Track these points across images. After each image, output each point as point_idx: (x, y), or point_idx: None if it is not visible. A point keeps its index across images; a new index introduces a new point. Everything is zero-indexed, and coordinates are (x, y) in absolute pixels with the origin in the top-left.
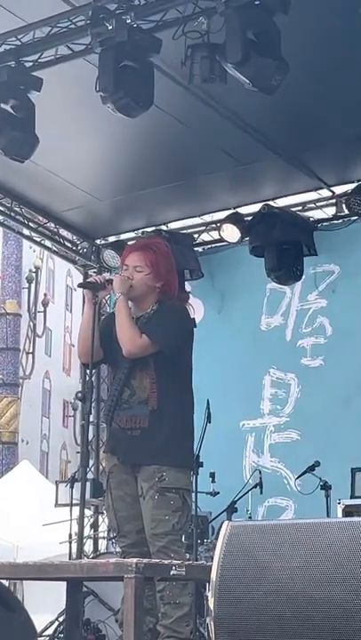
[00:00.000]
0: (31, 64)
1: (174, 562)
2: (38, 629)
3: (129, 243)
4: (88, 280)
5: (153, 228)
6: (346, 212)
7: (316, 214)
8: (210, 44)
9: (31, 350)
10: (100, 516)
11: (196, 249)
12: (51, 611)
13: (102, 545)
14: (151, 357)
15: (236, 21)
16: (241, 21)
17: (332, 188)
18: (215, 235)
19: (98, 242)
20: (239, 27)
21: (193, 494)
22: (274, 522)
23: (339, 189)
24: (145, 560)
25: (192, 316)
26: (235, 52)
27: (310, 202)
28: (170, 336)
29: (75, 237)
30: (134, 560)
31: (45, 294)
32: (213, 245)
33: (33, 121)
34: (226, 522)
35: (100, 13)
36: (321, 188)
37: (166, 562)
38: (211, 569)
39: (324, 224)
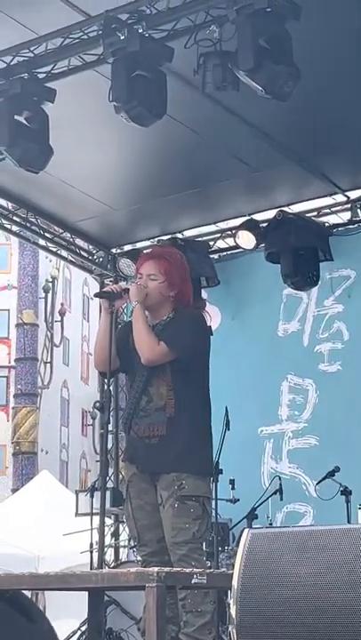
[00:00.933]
0: (44, 75)
1: (195, 570)
2: (61, 639)
3: (145, 251)
4: (104, 289)
5: (168, 237)
6: None
7: (332, 219)
8: (222, 51)
9: (49, 360)
10: (120, 525)
11: (211, 256)
12: (74, 616)
13: (123, 554)
14: (168, 365)
15: (248, 29)
16: (253, 29)
17: (346, 193)
18: (231, 242)
19: (114, 251)
20: (251, 34)
21: (213, 501)
22: (294, 528)
23: (353, 194)
24: (166, 569)
25: (208, 324)
26: (247, 60)
27: (325, 207)
28: (187, 344)
29: (90, 247)
30: (155, 569)
31: (62, 304)
32: (229, 252)
33: (47, 132)
34: (246, 529)
35: (112, 23)
36: (336, 194)
37: (187, 570)
38: (232, 577)
39: (340, 229)
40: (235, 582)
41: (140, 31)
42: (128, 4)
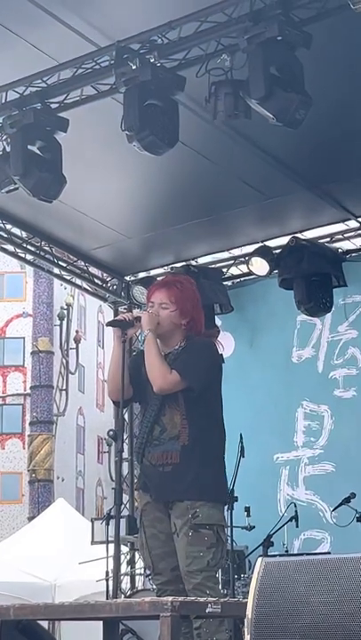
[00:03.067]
0: (57, 105)
1: (210, 599)
2: None
3: (158, 279)
4: (116, 318)
5: (182, 264)
6: None
7: (345, 245)
8: (233, 80)
9: (64, 387)
10: (136, 553)
11: (225, 283)
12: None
13: (140, 581)
14: (181, 394)
15: (259, 57)
16: (264, 57)
17: (359, 219)
18: (244, 268)
19: (127, 278)
20: (262, 63)
21: (228, 529)
22: (307, 557)
23: None
24: (180, 598)
25: (220, 352)
26: (258, 88)
27: (338, 233)
28: (199, 373)
29: (104, 275)
30: (170, 598)
31: (77, 331)
32: (242, 279)
33: (60, 161)
34: (260, 558)
35: (124, 53)
36: (348, 219)
37: (202, 600)
38: (246, 605)
39: (353, 255)
40: (249, 612)
41: (152, 61)
42: (140, 33)
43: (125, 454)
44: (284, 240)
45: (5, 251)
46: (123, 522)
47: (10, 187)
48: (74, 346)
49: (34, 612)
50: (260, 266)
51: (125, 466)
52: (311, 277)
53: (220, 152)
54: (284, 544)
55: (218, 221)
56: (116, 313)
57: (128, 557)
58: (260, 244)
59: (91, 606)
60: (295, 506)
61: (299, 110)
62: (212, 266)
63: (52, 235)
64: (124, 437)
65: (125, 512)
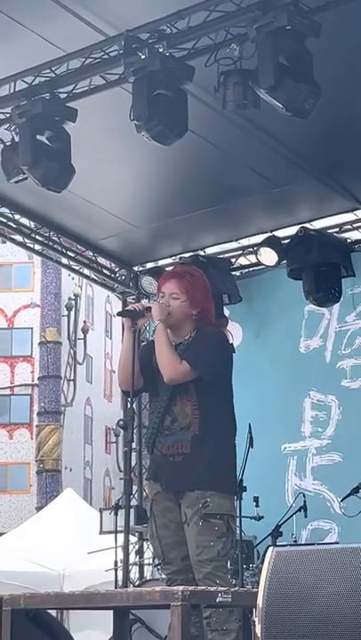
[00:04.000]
0: (65, 95)
1: (220, 589)
2: None
3: (166, 269)
4: (127, 308)
5: (190, 254)
6: None
7: (354, 235)
8: (242, 70)
9: (72, 378)
10: (144, 543)
11: (233, 273)
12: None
13: (148, 571)
14: (192, 384)
15: (268, 47)
16: (273, 47)
17: None
18: (252, 258)
19: (136, 269)
20: (271, 52)
21: (237, 519)
22: (318, 547)
23: None
24: (191, 588)
25: (231, 342)
26: (267, 78)
27: (347, 223)
28: (209, 363)
29: (113, 265)
30: (180, 588)
31: (85, 321)
32: (251, 269)
33: (69, 151)
34: (271, 548)
35: (133, 43)
36: (357, 209)
37: (212, 589)
38: (257, 595)
39: None
40: (260, 601)
41: (161, 50)
42: (148, 23)
43: (134, 444)
44: (292, 230)
45: (14, 241)
46: (131, 512)
47: (19, 177)
48: (82, 336)
49: (44, 601)
50: (268, 256)
51: (134, 456)
52: (320, 267)
53: (229, 141)
54: (292, 534)
55: (226, 211)
56: (125, 303)
57: (137, 547)
58: (269, 234)
59: (101, 595)
60: (303, 496)
61: (308, 100)
62: (221, 256)
63: (61, 225)
64: (133, 427)
65: (134, 502)
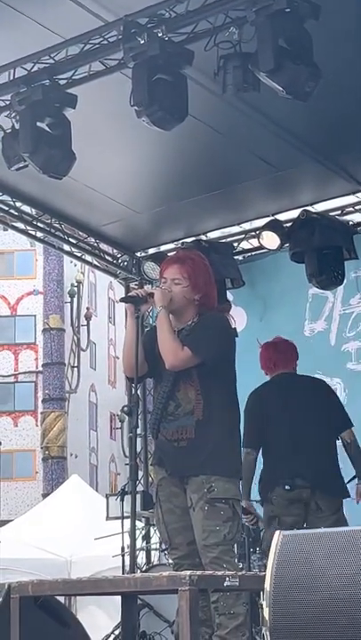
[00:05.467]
0: (65, 81)
1: (228, 573)
2: None
3: (169, 254)
4: (129, 294)
5: (192, 239)
6: None
7: (356, 218)
8: (242, 53)
9: (76, 364)
10: (151, 528)
11: (236, 257)
12: (106, 622)
13: (155, 557)
14: (195, 369)
15: (268, 30)
16: (272, 29)
17: None
18: (255, 242)
19: (138, 254)
20: (271, 35)
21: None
22: (324, 530)
23: None
24: (198, 572)
25: (233, 326)
26: (267, 61)
27: (349, 205)
28: (212, 348)
29: (115, 251)
30: (188, 572)
31: (88, 308)
32: (253, 253)
33: (69, 138)
34: (277, 531)
35: (132, 28)
36: (359, 192)
37: (220, 573)
38: (264, 579)
39: None
40: (267, 585)
41: (160, 35)
42: (147, 7)
43: (139, 430)
44: (294, 213)
45: (16, 228)
46: (137, 497)
47: (20, 164)
48: (85, 323)
49: (52, 587)
50: (270, 240)
51: (139, 442)
52: (322, 250)
53: (230, 125)
54: None
55: (228, 195)
56: (127, 289)
57: (143, 532)
58: (271, 218)
59: (109, 581)
60: None
61: (308, 82)
62: (223, 240)
63: (62, 211)
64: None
65: (140, 487)
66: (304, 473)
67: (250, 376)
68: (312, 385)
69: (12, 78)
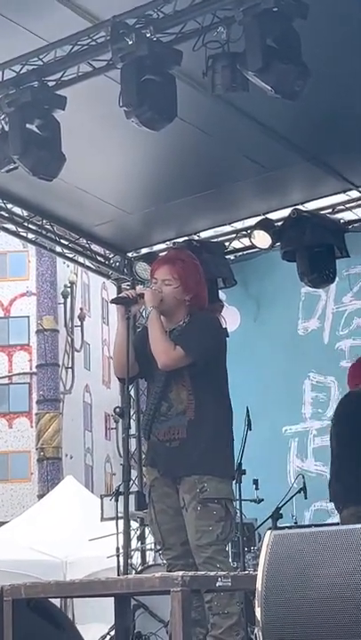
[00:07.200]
0: (54, 83)
1: (220, 573)
2: None
3: (160, 254)
4: (120, 295)
5: (184, 239)
6: None
7: (346, 216)
8: (230, 53)
9: (70, 365)
10: (146, 529)
11: (228, 257)
12: (103, 621)
13: (150, 557)
14: (186, 369)
15: (256, 29)
16: (260, 29)
17: (360, 189)
18: (246, 242)
19: (130, 255)
20: (259, 34)
21: (236, 502)
22: (316, 529)
23: None
24: (190, 573)
25: (224, 326)
26: (255, 60)
27: (340, 204)
28: (203, 347)
29: (107, 252)
30: (180, 573)
31: (81, 309)
32: (245, 252)
33: (59, 139)
34: (268, 531)
35: (120, 29)
36: (350, 190)
37: (212, 574)
38: (256, 578)
39: (355, 225)
40: (259, 585)
41: (148, 35)
42: (135, 8)
43: (133, 430)
44: (285, 212)
45: (7, 230)
46: (132, 498)
47: (9, 166)
48: (78, 323)
49: (45, 590)
50: (262, 239)
51: (133, 442)
52: (314, 249)
53: (219, 125)
54: (293, 515)
55: (218, 195)
56: (120, 290)
57: (138, 533)
58: (262, 217)
59: (101, 583)
60: (303, 477)
61: (297, 81)
62: (215, 240)
63: (53, 213)
64: (131, 414)
65: (134, 488)
66: None
67: (243, 375)
68: None
69: (0, 80)
